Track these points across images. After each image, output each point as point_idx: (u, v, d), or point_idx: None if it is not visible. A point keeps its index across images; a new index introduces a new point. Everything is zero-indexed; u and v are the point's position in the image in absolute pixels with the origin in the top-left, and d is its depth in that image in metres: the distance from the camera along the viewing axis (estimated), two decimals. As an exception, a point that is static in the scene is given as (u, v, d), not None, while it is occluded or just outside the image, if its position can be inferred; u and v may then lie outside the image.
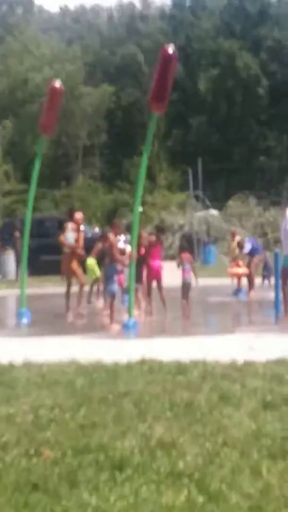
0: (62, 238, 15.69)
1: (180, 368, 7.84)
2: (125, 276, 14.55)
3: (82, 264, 16.56)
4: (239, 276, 20.46)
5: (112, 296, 13.46)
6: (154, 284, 15.14)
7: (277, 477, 4.48)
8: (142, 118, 69.65)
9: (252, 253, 19.58)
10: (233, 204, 45.27)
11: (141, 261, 14.45)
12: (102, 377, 7.47)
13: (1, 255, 28.91)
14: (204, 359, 8.29)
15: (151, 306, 14.99)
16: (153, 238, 15.49)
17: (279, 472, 4.56)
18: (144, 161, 13.45)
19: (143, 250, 14.52)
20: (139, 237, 14.00)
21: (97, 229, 25.62)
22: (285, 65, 74.84)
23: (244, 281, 20.12)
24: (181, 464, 4.70)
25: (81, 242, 15.74)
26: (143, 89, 70.98)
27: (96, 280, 18.08)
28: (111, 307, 13.36)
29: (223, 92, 75.08)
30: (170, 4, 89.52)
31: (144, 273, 15.01)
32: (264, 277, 22.58)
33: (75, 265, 15.59)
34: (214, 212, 41.84)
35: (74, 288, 15.84)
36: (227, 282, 22.00)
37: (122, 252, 13.99)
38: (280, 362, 8.22)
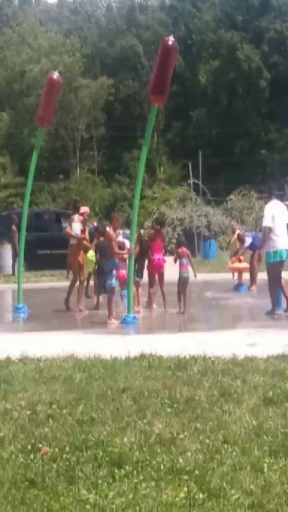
0: (69, 230, 15.56)
1: (180, 364, 7.80)
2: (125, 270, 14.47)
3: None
4: (240, 271, 20.38)
5: (111, 290, 13.39)
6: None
7: (278, 474, 4.44)
8: (142, 110, 69.63)
9: (253, 247, 19.48)
10: (234, 198, 45.22)
11: (139, 257, 14.38)
12: (100, 373, 7.42)
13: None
14: (204, 354, 8.24)
15: (153, 300, 14.92)
16: (152, 232, 15.42)
17: (280, 469, 4.52)
18: (144, 154, 13.39)
19: (137, 247, 14.40)
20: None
21: (95, 223, 25.50)
22: (287, 57, 74.69)
23: (246, 276, 20.03)
24: (181, 461, 4.66)
25: (87, 234, 15.70)
26: (143, 81, 70.94)
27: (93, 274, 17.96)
28: (110, 301, 13.29)
29: (224, 85, 74.97)
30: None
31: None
32: None
33: (81, 257, 15.46)
34: (209, 209, 41.76)
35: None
36: (228, 277, 21.95)
37: (121, 246, 13.91)
38: (281, 357, 8.17)
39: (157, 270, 14.95)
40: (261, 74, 75.40)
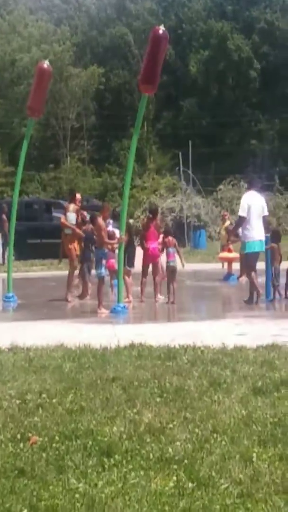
0: (64, 219, 15.48)
1: (169, 353, 7.80)
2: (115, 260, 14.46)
3: None
4: (229, 261, 20.39)
5: (101, 280, 13.38)
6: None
7: (267, 463, 4.45)
8: (132, 100, 69.46)
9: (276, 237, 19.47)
10: (224, 188, 45.21)
11: (128, 246, 14.35)
12: (90, 362, 7.42)
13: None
14: (194, 344, 8.25)
15: (143, 288, 14.90)
16: (145, 221, 15.39)
17: (269, 459, 4.53)
18: (134, 144, 13.36)
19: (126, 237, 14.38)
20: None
21: (85, 213, 25.45)
22: (278, 48, 74.63)
23: (236, 266, 20.05)
24: (170, 450, 4.67)
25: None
26: (133, 70, 70.69)
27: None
28: (100, 291, 13.28)
29: (214, 74, 74.85)
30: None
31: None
32: None
33: (75, 246, 15.42)
34: (198, 200, 41.72)
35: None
36: (217, 267, 21.97)
37: (111, 235, 13.89)
38: (270, 347, 8.18)
39: (151, 259, 14.91)
40: (251, 64, 75.31)
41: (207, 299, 16.35)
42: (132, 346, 8.35)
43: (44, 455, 4.63)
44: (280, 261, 14.77)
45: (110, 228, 14.90)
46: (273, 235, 15.22)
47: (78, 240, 15.48)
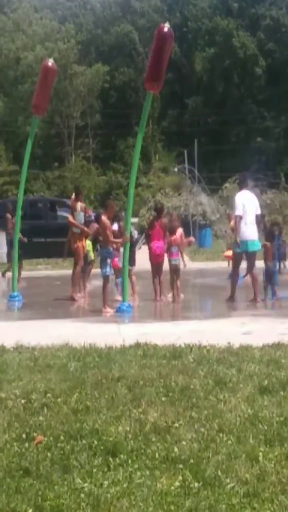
0: (71, 219, 15.47)
1: (175, 352, 7.79)
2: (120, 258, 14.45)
3: None
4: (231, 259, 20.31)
5: (106, 278, 13.37)
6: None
7: (273, 462, 4.44)
8: (137, 98, 69.46)
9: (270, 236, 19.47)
10: (229, 186, 45.16)
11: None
12: (95, 361, 7.41)
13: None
14: (199, 343, 8.23)
15: (157, 288, 14.86)
16: (151, 219, 15.36)
17: (275, 458, 4.51)
18: (139, 142, 13.34)
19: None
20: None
21: (90, 212, 25.43)
22: (283, 45, 74.58)
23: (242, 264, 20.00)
24: (176, 450, 4.65)
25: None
26: (138, 68, 70.72)
27: (90, 263, 17.90)
28: (105, 290, 13.27)
29: (219, 72, 74.83)
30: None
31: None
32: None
33: (82, 245, 15.43)
34: (204, 199, 41.70)
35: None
36: (223, 265, 21.94)
37: (116, 234, 13.87)
38: (276, 346, 8.16)
39: (155, 258, 14.87)
40: (256, 61, 75.28)
41: (213, 297, 16.32)
42: (137, 345, 8.33)
43: (49, 454, 4.63)
44: (273, 260, 14.86)
45: (115, 226, 14.88)
46: (267, 234, 15.32)
47: (86, 237, 15.54)
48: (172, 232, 14.72)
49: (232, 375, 6.61)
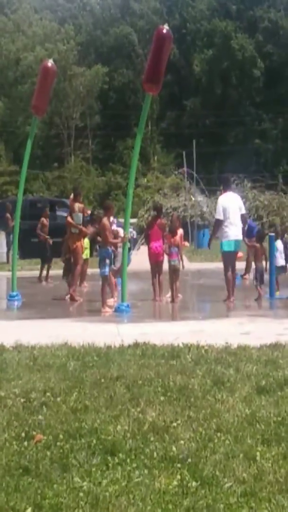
0: (70, 219, 15.48)
1: (173, 352, 7.81)
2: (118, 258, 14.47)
3: None
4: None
5: (104, 278, 13.39)
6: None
7: (270, 462, 4.45)
8: (136, 99, 69.54)
9: (248, 236, 19.53)
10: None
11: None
12: (94, 361, 7.43)
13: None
14: (197, 343, 8.25)
15: (156, 288, 14.87)
16: (149, 219, 15.36)
17: (273, 457, 4.53)
18: (138, 143, 13.37)
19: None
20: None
21: (89, 212, 25.43)
22: (281, 47, 74.69)
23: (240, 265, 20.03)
24: (174, 449, 4.67)
25: None
26: (137, 69, 70.76)
27: (85, 262, 17.88)
28: (103, 290, 13.29)
29: (218, 74, 74.94)
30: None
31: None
32: None
33: (81, 244, 15.48)
34: (200, 198, 41.71)
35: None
36: (221, 266, 21.89)
37: (115, 235, 13.89)
38: (274, 346, 8.19)
39: (154, 258, 14.88)
40: (255, 63, 75.39)
41: (211, 298, 16.34)
42: (136, 345, 8.35)
43: (48, 453, 4.64)
44: (264, 261, 14.92)
45: (114, 227, 14.90)
46: (257, 236, 15.50)
47: (84, 237, 15.58)
48: (173, 232, 14.75)
49: (230, 375, 6.64)
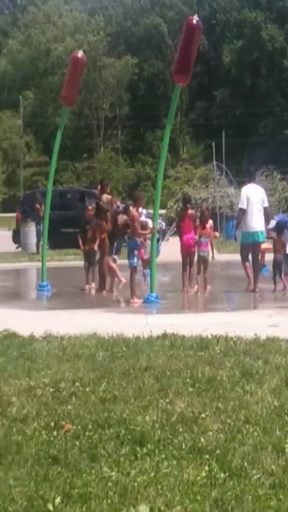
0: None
1: (202, 344, 7.80)
2: (147, 250, 14.48)
3: None
4: (262, 252, 20.23)
5: (133, 269, 13.40)
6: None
7: (299, 454, 4.43)
8: (165, 90, 69.38)
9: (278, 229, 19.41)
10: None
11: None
12: (123, 351, 7.44)
13: (22, 228, 28.94)
14: (226, 334, 8.24)
15: (185, 279, 14.85)
16: (180, 211, 15.36)
17: (302, 450, 4.51)
18: (167, 134, 13.34)
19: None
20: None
21: (118, 203, 25.40)
22: (311, 37, 73.99)
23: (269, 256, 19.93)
24: (202, 440, 4.67)
25: None
26: (167, 60, 70.58)
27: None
28: (132, 280, 13.31)
29: (248, 64, 74.55)
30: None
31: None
32: None
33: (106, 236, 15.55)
34: (231, 190, 41.46)
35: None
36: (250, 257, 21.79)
37: (144, 226, 13.89)
38: (303, 338, 8.14)
39: (186, 250, 14.89)
40: (285, 54, 74.83)
41: (239, 289, 16.29)
42: (164, 336, 8.35)
43: (77, 443, 4.66)
44: (283, 252, 14.96)
45: (143, 218, 14.90)
46: (276, 228, 15.50)
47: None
48: (203, 223, 14.75)
49: (259, 367, 6.62)
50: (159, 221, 14.08)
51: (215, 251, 15.48)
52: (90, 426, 4.96)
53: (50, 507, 3.75)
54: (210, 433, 4.80)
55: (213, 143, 43.27)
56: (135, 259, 13.40)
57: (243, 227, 14.58)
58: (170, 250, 15.23)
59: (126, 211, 14.52)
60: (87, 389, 5.91)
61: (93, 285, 15.33)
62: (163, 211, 36.81)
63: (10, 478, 4.11)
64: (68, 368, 6.70)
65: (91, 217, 15.53)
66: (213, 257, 15.07)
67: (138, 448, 4.56)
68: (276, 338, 8.11)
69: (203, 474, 4.13)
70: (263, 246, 19.99)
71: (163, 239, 27.50)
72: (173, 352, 7.36)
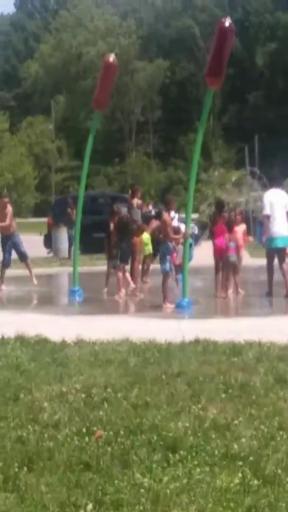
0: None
1: (235, 349, 7.76)
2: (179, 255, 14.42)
3: None
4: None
5: (166, 274, 13.36)
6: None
7: None
8: (198, 93, 69.24)
9: None
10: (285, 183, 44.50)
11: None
12: (155, 357, 7.43)
13: (54, 232, 29.04)
14: (259, 340, 8.18)
15: (218, 284, 14.80)
16: (213, 216, 15.33)
17: None
18: (199, 138, 13.30)
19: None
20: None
21: (150, 207, 25.36)
22: None
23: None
24: (235, 447, 4.65)
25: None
26: (199, 63, 70.48)
27: (147, 257, 17.86)
28: (165, 285, 13.27)
29: (281, 67, 74.16)
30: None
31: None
32: None
33: (139, 240, 15.58)
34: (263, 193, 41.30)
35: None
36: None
37: (176, 230, 13.85)
38: None
39: (219, 254, 14.83)
40: None
41: (273, 294, 16.18)
42: (197, 341, 8.32)
43: (109, 449, 4.66)
44: None
45: (175, 223, 14.86)
46: None
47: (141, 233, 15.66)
48: (230, 227, 14.69)
49: (293, 373, 6.57)
50: (192, 225, 14.03)
51: (247, 255, 15.39)
52: (122, 432, 4.95)
53: (82, 513, 3.75)
54: (243, 439, 4.78)
55: (246, 147, 43.09)
56: (168, 264, 13.36)
57: (269, 232, 14.47)
58: (203, 254, 15.16)
59: (158, 216, 14.50)
60: (119, 394, 5.90)
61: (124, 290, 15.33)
62: (195, 215, 36.72)
63: (42, 484, 4.11)
64: (100, 373, 6.70)
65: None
66: (239, 261, 15.04)
67: (170, 455, 4.54)
68: (311, 343, 8.04)
69: (236, 481, 4.11)
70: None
71: (196, 244, 27.42)
72: (205, 358, 7.33)
